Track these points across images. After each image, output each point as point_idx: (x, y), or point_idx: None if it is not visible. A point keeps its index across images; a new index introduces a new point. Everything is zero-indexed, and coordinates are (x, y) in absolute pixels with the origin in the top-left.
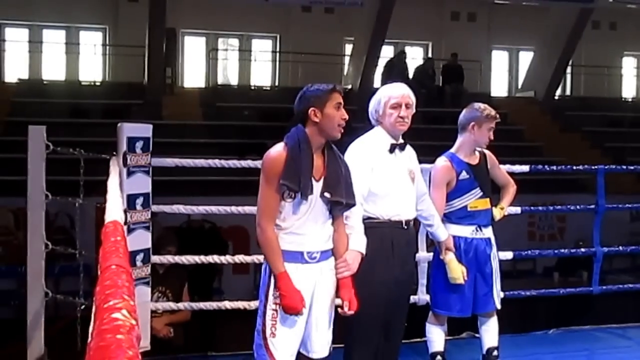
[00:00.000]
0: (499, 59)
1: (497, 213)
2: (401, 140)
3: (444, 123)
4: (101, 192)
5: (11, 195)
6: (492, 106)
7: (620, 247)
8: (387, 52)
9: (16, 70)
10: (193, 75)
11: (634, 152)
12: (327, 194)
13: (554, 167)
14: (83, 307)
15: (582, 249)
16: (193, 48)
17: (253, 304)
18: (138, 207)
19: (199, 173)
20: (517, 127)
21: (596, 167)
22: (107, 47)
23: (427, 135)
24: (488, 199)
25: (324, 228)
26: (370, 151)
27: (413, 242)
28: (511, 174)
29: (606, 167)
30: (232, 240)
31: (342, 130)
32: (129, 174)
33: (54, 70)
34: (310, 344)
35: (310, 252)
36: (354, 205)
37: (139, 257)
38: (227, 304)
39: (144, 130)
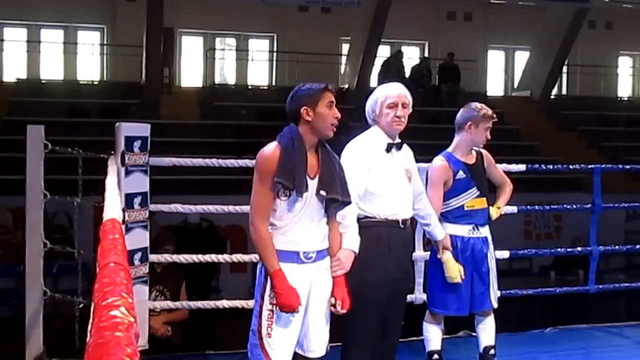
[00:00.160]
0: (495, 59)
1: (494, 212)
2: (398, 140)
3: (440, 122)
4: (99, 191)
5: (10, 195)
6: (489, 105)
7: (617, 246)
8: (383, 52)
9: (14, 70)
10: (190, 75)
11: (629, 152)
12: (322, 192)
13: (550, 167)
14: (81, 305)
15: (579, 248)
16: (190, 48)
17: (251, 303)
18: (136, 206)
19: (197, 172)
20: (513, 127)
21: (592, 166)
22: (105, 47)
23: (424, 135)
24: (485, 198)
25: (319, 227)
26: (367, 150)
27: (410, 241)
28: (507, 173)
29: (602, 167)
30: (230, 239)
31: (335, 129)
32: (127, 173)
33: (52, 69)
34: (307, 343)
35: (306, 252)
36: (349, 202)
37: (137, 256)
38: (225, 303)
39: (142, 129)
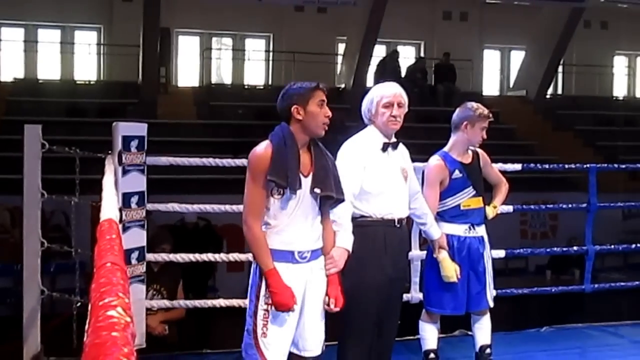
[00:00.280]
0: (491, 58)
1: (490, 212)
2: (394, 139)
3: (436, 122)
4: (96, 190)
5: (7, 194)
6: (484, 105)
7: (612, 246)
8: (379, 52)
9: (12, 70)
10: (187, 75)
11: (625, 151)
12: (317, 190)
13: (546, 166)
14: (79, 304)
15: (574, 247)
16: (187, 47)
17: (247, 302)
18: (133, 205)
19: (194, 172)
20: (509, 126)
21: (588, 165)
22: (102, 47)
23: (420, 134)
24: (481, 198)
25: (313, 225)
26: (363, 150)
27: (406, 240)
28: (503, 172)
29: (598, 166)
30: (227, 238)
31: (327, 128)
32: (124, 172)
33: (49, 69)
34: (303, 343)
35: (301, 251)
36: (343, 200)
37: (134, 255)
38: (222, 302)
39: (139, 129)
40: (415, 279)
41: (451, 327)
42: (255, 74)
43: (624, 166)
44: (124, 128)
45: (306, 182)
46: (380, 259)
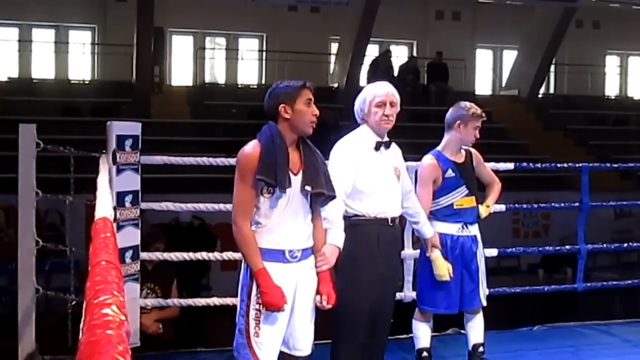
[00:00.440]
0: (483, 58)
1: (483, 211)
2: (386, 138)
3: (429, 121)
4: (91, 189)
5: (2, 193)
6: (477, 104)
7: (605, 245)
8: (372, 51)
9: (6, 69)
10: (181, 74)
11: (617, 150)
12: (307, 187)
13: (539, 165)
14: (74, 303)
15: (567, 246)
16: (180, 47)
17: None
18: (127, 204)
19: (188, 171)
20: (501, 126)
21: (580, 164)
22: (96, 46)
23: (413, 133)
24: (474, 197)
25: (304, 224)
26: (355, 149)
27: (399, 239)
28: (496, 171)
29: (590, 165)
30: (220, 237)
31: (314, 126)
32: (119, 171)
33: (43, 69)
34: (294, 342)
35: (292, 250)
36: (334, 197)
37: (128, 254)
38: (216, 300)
39: (133, 128)
40: (409, 278)
41: (444, 326)
42: (249, 74)
43: (616, 165)
44: (118, 127)
45: (296, 180)
46: (374, 258)
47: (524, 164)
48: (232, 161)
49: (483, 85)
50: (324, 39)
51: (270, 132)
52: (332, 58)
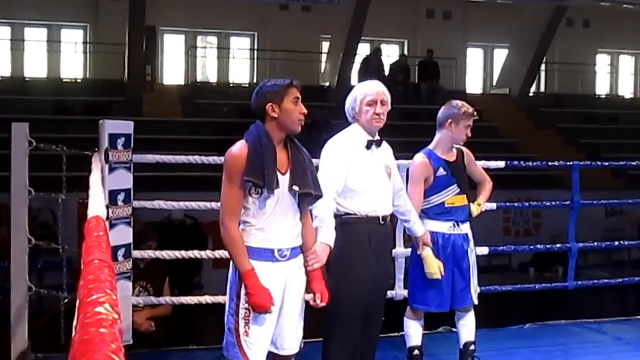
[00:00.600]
0: (474, 56)
1: (475, 209)
2: (377, 137)
3: (420, 120)
4: (83, 188)
5: None
6: (468, 103)
7: (595, 243)
8: (363, 50)
9: None
10: (172, 73)
11: (608, 148)
12: (295, 187)
13: (530, 163)
14: (66, 301)
15: (558, 245)
16: (172, 45)
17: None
18: (120, 202)
19: (180, 169)
20: (492, 124)
21: (571, 163)
22: (88, 45)
23: (404, 132)
24: (465, 195)
25: (293, 223)
26: (346, 148)
27: (390, 237)
28: (486, 169)
29: (581, 163)
30: (212, 235)
31: (302, 124)
32: (111, 170)
33: (35, 67)
34: (281, 341)
35: (281, 249)
36: (321, 196)
37: (121, 252)
38: (208, 298)
39: (125, 127)
40: (400, 276)
41: (435, 324)
42: (240, 72)
43: (606, 163)
44: (111, 126)
45: (284, 180)
46: (365, 256)
47: (515, 162)
48: (223, 159)
49: (474, 84)
50: (315, 37)
51: (257, 132)
52: (324, 57)
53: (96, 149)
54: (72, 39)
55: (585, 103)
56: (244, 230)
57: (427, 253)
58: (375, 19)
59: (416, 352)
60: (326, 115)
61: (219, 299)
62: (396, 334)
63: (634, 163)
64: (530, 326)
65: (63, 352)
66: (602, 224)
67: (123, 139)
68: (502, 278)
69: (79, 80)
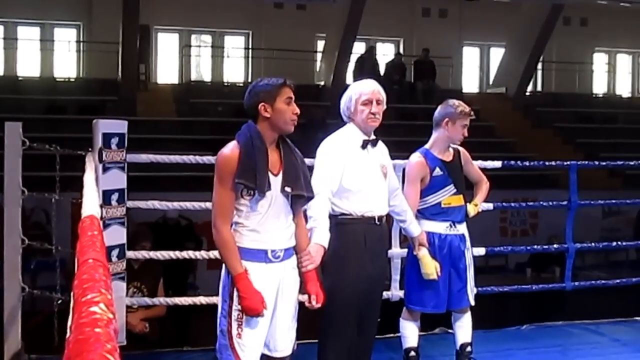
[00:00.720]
0: (470, 55)
1: (472, 209)
2: (373, 137)
3: (416, 119)
4: (77, 188)
5: None
6: (464, 102)
7: (593, 244)
8: (359, 49)
9: None
10: (166, 72)
11: (605, 148)
12: (287, 189)
13: (526, 163)
14: (60, 301)
15: (555, 245)
16: (166, 44)
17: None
18: (113, 202)
19: (174, 169)
20: (489, 124)
21: (568, 163)
22: (82, 44)
23: (399, 132)
24: (462, 196)
25: (286, 224)
26: (342, 147)
27: (386, 238)
28: (483, 169)
29: (579, 163)
30: (206, 235)
31: (295, 124)
32: (105, 170)
33: (28, 66)
34: (274, 343)
35: (274, 250)
36: (313, 197)
37: (115, 252)
38: (202, 299)
39: (119, 126)
40: (396, 277)
41: (432, 325)
42: (235, 71)
43: (604, 163)
44: (104, 125)
45: (276, 182)
46: (361, 257)
47: (512, 162)
48: (215, 160)
49: (470, 83)
50: (310, 36)
51: (249, 132)
52: (319, 56)
53: (90, 149)
54: (66, 37)
55: (583, 102)
56: (236, 231)
57: (423, 253)
58: (370, 17)
59: (412, 353)
60: (321, 115)
61: (214, 300)
62: (392, 335)
63: (631, 163)
64: (527, 327)
65: (57, 353)
66: (600, 224)
67: (117, 138)
68: (499, 279)
69: (72, 80)
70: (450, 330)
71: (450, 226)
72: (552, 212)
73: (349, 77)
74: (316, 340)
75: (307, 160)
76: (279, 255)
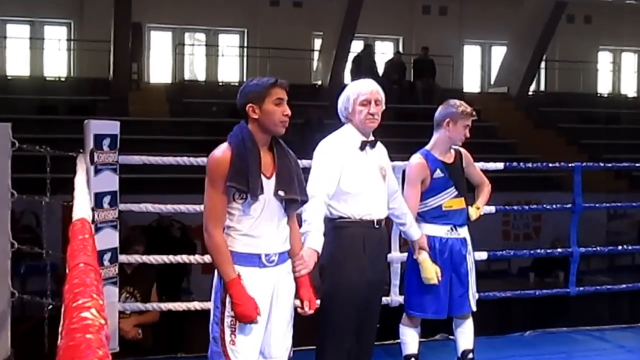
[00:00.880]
0: (471, 54)
1: (473, 213)
2: (372, 138)
3: (415, 119)
4: (68, 190)
5: None
6: (465, 102)
7: (598, 248)
8: (357, 47)
9: None
10: (159, 71)
11: (610, 149)
12: (281, 192)
13: (529, 165)
14: (50, 307)
15: (559, 249)
16: (159, 43)
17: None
18: (105, 205)
19: (168, 171)
20: (490, 124)
21: (573, 164)
22: (72, 42)
23: (399, 132)
24: (463, 198)
25: (279, 228)
26: (340, 149)
27: (385, 241)
28: (485, 171)
29: (583, 165)
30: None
31: (286, 126)
32: (96, 171)
33: (18, 66)
34: (269, 349)
35: (268, 254)
36: (307, 201)
37: (107, 256)
38: (197, 305)
39: (111, 127)
40: (395, 282)
41: (432, 331)
42: (230, 71)
43: (609, 165)
44: (96, 126)
45: (269, 185)
46: (359, 261)
47: (514, 163)
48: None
49: (471, 83)
50: (307, 34)
51: (241, 134)
52: (316, 54)
53: (81, 150)
54: (56, 36)
55: (587, 102)
56: (229, 235)
57: (423, 257)
58: (369, 15)
59: None
60: (319, 115)
61: (208, 305)
62: (392, 341)
63: (637, 164)
64: (531, 334)
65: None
66: (605, 228)
67: (109, 139)
68: (501, 284)
69: (63, 79)
70: (451, 337)
71: (452, 230)
72: (556, 215)
73: (347, 76)
74: (313, 347)
75: (304, 162)
76: (273, 260)
